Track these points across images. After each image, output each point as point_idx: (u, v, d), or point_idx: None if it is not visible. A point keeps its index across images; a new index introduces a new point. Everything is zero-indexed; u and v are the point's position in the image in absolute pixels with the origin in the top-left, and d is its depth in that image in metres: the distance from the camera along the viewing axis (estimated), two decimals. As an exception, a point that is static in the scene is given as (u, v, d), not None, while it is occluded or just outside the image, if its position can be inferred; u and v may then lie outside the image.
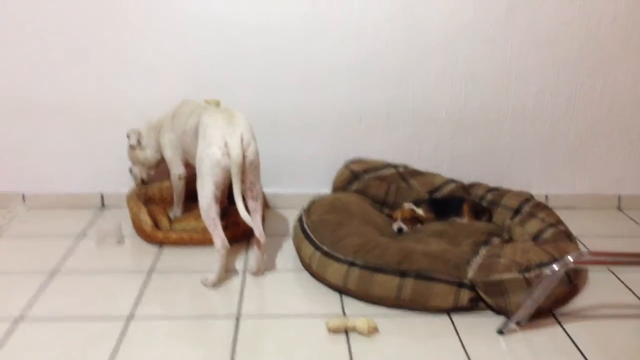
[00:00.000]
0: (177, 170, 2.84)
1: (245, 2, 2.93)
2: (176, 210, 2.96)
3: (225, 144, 2.37)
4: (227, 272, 2.52)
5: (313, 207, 2.78)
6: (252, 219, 2.42)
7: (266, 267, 2.56)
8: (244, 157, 2.37)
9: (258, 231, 2.46)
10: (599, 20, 3.03)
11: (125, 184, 3.08)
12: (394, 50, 3.04)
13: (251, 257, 2.60)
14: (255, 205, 2.48)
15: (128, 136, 2.87)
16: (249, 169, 2.41)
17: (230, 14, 2.94)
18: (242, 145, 2.37)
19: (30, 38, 2.92)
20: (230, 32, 2.97)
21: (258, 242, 2.49)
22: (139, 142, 2.87)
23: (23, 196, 3.13)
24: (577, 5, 3.01)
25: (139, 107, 3.04)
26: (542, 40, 3.06)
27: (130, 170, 2.98)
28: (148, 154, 2.90)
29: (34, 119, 3.03)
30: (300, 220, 2.72)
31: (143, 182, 3.00)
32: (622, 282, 2.51)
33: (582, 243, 2.85)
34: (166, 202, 3.06)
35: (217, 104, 2.82)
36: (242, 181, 2.40)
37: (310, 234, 2.57)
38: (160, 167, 2.96)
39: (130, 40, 2.95)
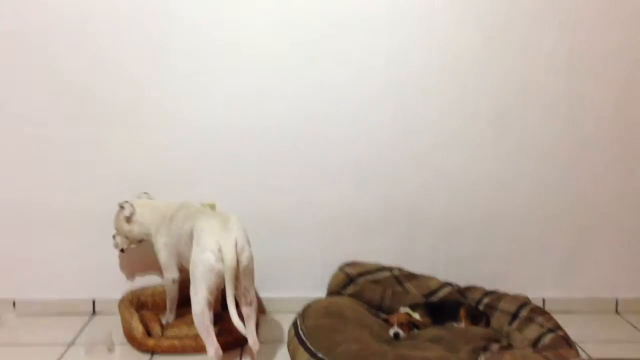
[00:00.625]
0: (171, 274, 2.82)
1: (240, 105, 3.02)
2: (169, 316, 2.92)
3: (219, 249, 2.37)
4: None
5: (308, 312, 2.74)
6: (246, 325, 2.38)
7: (260, 376, 2.50)
8: (237, 262, 2.37)
9: (252, 339, 2.41)
10: (584, 125, 3.13)
11: (117, 290, 3.04)
12: (387, 154, 3.11)
13: (245, 365, 2.54)
14: (249, 311, 2.45)
15: (122, 207, 2.86)
16: (242, 274, 2.40)
17: (225, 117, 3.03)
18: (236, 250, 2.37)
19: (21, 144, 2.99)
20: (225, 135, 3.04)
21: (251, 351, 2.44)
22: (131, 216, 2.86)
23: (14, 302, 3.08)
24: (563, 114, 3.11)
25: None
26: (531, 146, 3.14)
27: (114, 237, 2.96)
28: (135, 229, 2.88)
29: (25, 224, 3.04)
30: (295, 325, 2.68)
31: (122, 251, 2.98)
32: (625, 390, 2.45)
33: (581, 349, 2.80)
34: (159, 308, 3.01)
35: (213, 207, 2.85)
36: (236, 287, 2.39)
37: (306, 340, 2.52)
38: (142, 243, 2.95)
39: (123, 147, 3.02)
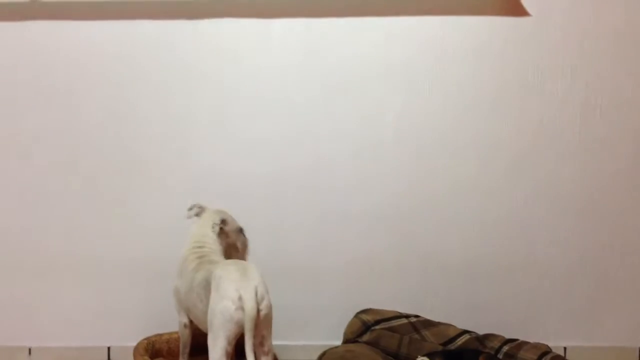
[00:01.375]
0: (182, 318, 2.79)
1: (258, 152, 3.07)
2: None
3: (240, 298, 2.34)
4: None
5: (324, 359, 2.70)
6: None
7: None
8: (258, 311, 2.35)
9: None
10: (599, 176, 3.12)
11: (132, 337, 3.03)
12: (402, 200, 3.12)
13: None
14: None
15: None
16: (262, 323, 2.37)
17: (243, 164, 3.08)
18: (256, 298, 2.35)
19: (38, 192, 3.05)
20: (240, 183, 3.08)
21: None
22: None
23: (29, 350, 3.08)
24: (579, 160, 3.11)
25: (146, 262, 3.09)
26: (547, 192, 3.13)
27: None
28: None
29: (40, 272, 3.07)
30: (310, 374, 2.64)
31: None
32: None
33: (605, 398, 2.72)
34: (174, 355, 2.99)
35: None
36: (254, 336, 2.35)
37: (322, 391, 2.48)
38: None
39: (138, 196, 3.07)
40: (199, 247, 2.74)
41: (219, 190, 3.07)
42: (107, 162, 3.04)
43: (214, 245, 2.72)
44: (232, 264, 2.51)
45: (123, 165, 3.04)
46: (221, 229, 2.80)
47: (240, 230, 2.94)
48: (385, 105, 3.07)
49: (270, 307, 2.41)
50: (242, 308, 2.32)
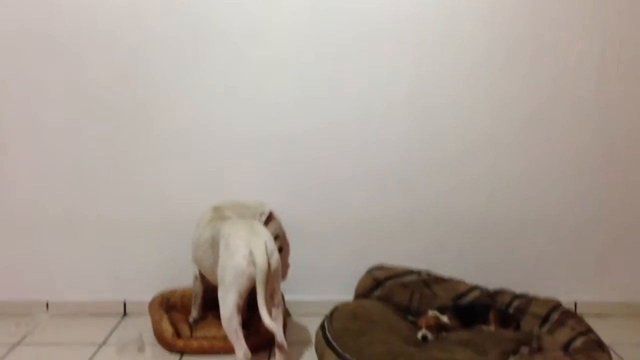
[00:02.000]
0: (194, 269, 2.86)
1: (265, 115, 3.06)
2: (193, 312, 2.94)
3: (250, 253, 2.39)
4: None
5: (336, 315, 2.74)
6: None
7: (288, 377, 2.50)
8: (268, 265, 2.38)
9: (280, 337, 2.42)
10: (615, 131, 3.09)
11: (147, 292, 3.08)
12: (414, 159, 3.11)
13: (273, 366, 2.54)
14: (277, 313, 2.46)
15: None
16: (272, 277, 2.42)
17: (253, 126, 3.06)
18: (267, 253, 2.39)
19: (54, 153, 3.06)
20: (253, 143, 3.08)
21: (282, 347, 2.44)
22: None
23: (47, 304, 3.14)
24: (593, 117, 3.08)
25: (162, 217, 3.11)
26: (561, 151, 3.11)
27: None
28: None
29: (58, 230, 3.11)
30: (322, 328, 2.68)
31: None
32: (660, 395, 2.39)
33: (615, 352, 2.74)
34: (188, 309, 3.04)
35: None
36: (265, 289, 2.40)
37: (333, 342, 2.52)
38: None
39: (154, 153, 3.07)
40: (227, 208, 2.78)
41: (231, 152, 3.07)
42: (123, 123, 3.03)
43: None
44: (240, 222, 2.55)
45: (139, 126, 3.04)
46: (265, 222, 2.84)
47: (277, 237, 2.93)
48: (396, 63, 3.03)
49: (279, 261, 2.46)
50: (253, 263, 2.36)
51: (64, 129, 3.04)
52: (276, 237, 2.96)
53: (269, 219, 2.91)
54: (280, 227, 2.98)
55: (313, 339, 2.76)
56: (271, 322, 2.34)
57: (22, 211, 3.09)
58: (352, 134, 3.09)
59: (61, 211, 3.09)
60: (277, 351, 2.46)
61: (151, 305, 2.94)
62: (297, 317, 3.14)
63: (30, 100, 3.01)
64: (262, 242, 2.42)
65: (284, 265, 3.08)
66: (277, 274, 2.44)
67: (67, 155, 3.06)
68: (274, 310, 2.46)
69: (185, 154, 3.08)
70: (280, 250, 2.96)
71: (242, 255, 2.39)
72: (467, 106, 3.07)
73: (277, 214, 2.90)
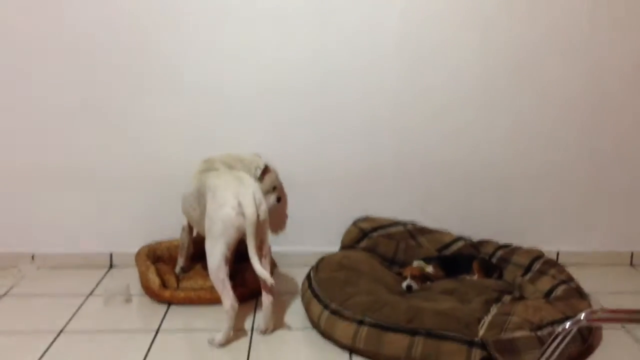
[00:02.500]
0: (183, 220, 2.87)
1: (254, 64, 3.01)
2: (179, 261, 2.96)
3: (239, 204, 2.38)
4: (235, 331, 2.50)
5: (321, 266, 2.77)
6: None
7: (274, 325, 2.53)
8: (257, 215, 2.38)
9: (270, 282, 2.39)
10: (606, 79, 3.08)
11: (134, 244, 3.09)
12: (403, 112, 3.09)
13: (259, 316, 2.57)
14: (265, 263, 2.47)
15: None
16: (261, 227, 2.41)
17: (238, 75, 3.02)
18: (255, 204, 2.39)
19: (41, 104, 3.00)
20: (237, 94, 3.04)
21: (271, 290, 2.46)
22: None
23: (32, 256, 3.14)
24: (585, 64, 3.06)
25: (148, 170, 3.09)
26: (549, 99, 3.10)
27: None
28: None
29: (45, 180, 3.07)
30: (308, 278, 2.71)
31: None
32: (637, 341, 2.45)
33: (594, 300, 2.80)
34: (174, 261, 3.05)
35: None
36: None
37: (319, 293, 2.55)
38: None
39: (138, 108, 3.02)
40: (218, 161, 2.77)
41: (220, 103, 3.03)
42: (106, 74, 2.97)
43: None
44: (227, 174, 2.53)
45: (122, 76, 2.98)
46: (261, 175, 2.86)
47: (274, 189, 2.98)
48: (383, 14, 2.98)
49: (267, 212, 2.46)
50: (242, 214, 2.36)
51: (52, 82, 2.97)
52: (274, 189, 2.98)
53: (265, 172, 2.91)
54: (277, 179, 3.00)
55: (299, 290, 2.79)
56: (263, 270, 2.35)
57: (7, 164, 3.05)
58: (340, 86, 3.05)
59: (47, 163, 3.06)
60: (264, 293, 2.48)
61: (137, 256, 2.95)
62: (283, 268, 3.17)
63: (19, 52, 2.94)
64: (250, 192, 2.41)
65: (282, 216, 3.10)
66: (265, 224, 2.44)
67: (53, 107, 3.00)
68: (262, 261, 2.46)
69: (174, 107, 3.03)
70: (278, 200, 2.98)
71: (231, 206, 2.38)
72: (458, 53, 3.04)
73: (273, 166, 2.92)
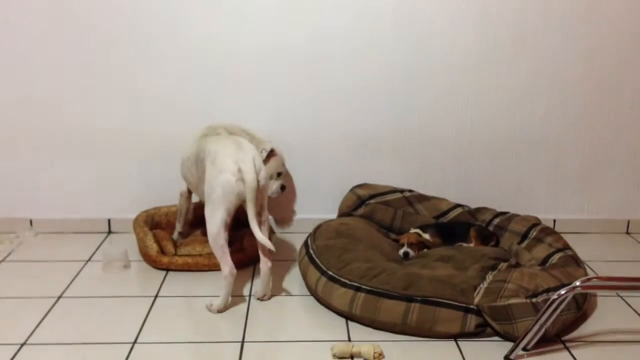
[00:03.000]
0: (182, 185, 2.88)
1: (250, 30, 2.97)
2: (177, 226, 2.98)
3: (239, 170, 2.37)
4: (233, 297, 2.51)
5: (319, 232, 2.77)
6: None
7: (272, 292, 2.55)
8: (257, 181, 2.38)
9: (269, 246, 2.39)
10: (603, 48, 3.06)
11: (131, 210, 3.09)
12: (399, 75, 3.07)
13: (257, 282, 2.59)
14: (264, 229, 2.46)
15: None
16: (260, 193, 2.40)
17: (236, 40, 2.98)
18: (255, 169, 2.38)
19: (39, 69, 2.97)
20: (236, 58, 3.01)
21: (269, 256, 2.47)
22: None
23: (30, 221, 3.15)
24: (582, 34, 3.03)
25: (147, 136, 3.08)
26: (547, 68, 3.08)
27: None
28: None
29: (43, 146, 3.07)
30: (306, 245, 2.72)
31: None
32: (631, 307, 2.48)
33: (590, 268, 2.83)
34: (172, 227, 3.06)
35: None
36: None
37: (316, 259, 2.56)
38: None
39: (139, 73, 3.00)
40: (222, 127, 2.74)
41: (214, 65, 3.01)
42: (104, 36, 2.94)
43: None
44: (226, 139, 2.51)
45: (119, 38, 2.95)
46: (267, 158, 2.84)
47: (279, 175, 2.95)
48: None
49: (266, 178, 2.45)
50: (242, 180, 2.34)
51: (52, 46, 2.94)
52: (279, 175, 2.95)
53: (271, 155, 2.89)
54: (282, 165, 2.97)
55: (297, 257, 2.81)
56: (263, 236, 2.35)
57: (5, 129, 3.04)
58: (336, 48, 3.02)
59: (45, 128, 3.04)
60: (262, 260, 2.48)
61: (135, 222, 2.95)
62: (280, 235, 3.18)
63: (7, 10, 2.90)
64: (249, 158, 2.39)
65: (289, 211, 3.08)
66: (265, 190, 2.43)
67: (51, 71, 2.98)
68: (262, 227, 2.46)
69: (174, 74, 3.01)
70: (282, 188, 2.96)
71: (231, 172, 2.36)
72: (456, 21, 3.00)
73: (280, 151, 2.93)
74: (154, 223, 3.02)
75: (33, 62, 2.96)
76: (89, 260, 2.86)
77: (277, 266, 2.76)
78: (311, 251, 2.63)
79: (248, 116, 3.03)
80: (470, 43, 3.03)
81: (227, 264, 2.39)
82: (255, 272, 2.74)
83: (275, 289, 2.59)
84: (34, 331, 2.24)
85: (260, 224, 2.41)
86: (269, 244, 2.37)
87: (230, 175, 2.36)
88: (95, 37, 2.95)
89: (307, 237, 2.78)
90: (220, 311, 2.41)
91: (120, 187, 3.14)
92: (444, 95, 3.10)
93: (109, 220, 3.18)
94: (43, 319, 2.33)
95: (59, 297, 2.49)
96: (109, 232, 3.19)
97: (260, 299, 2.51)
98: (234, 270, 2.41)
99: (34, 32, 2.92)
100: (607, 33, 3.04)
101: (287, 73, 3.04)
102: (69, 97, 3.01)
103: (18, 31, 2.92)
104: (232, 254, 2.46)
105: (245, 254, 2.77)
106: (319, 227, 2.83)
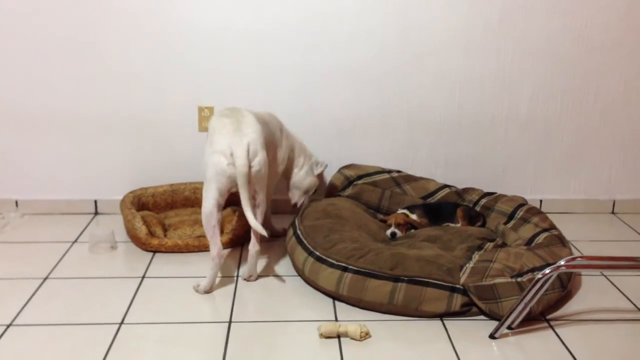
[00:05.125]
0: None
1: (239, 10, 2.95)
2: None
3: (232, 154, 2.33)
4: (221, 277, 2.52)
5: (306, 213, 2.77)
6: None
7: (260, 273, 2.56)
8: (250, 167, 2.35)
9: (262, 232, 2.37)
10: (590, 26, 3.05)
11: (118, 191, 3.07)
12: (387, 56, 3.05)
13: (244, 263, 2.59)
14: (258, 213, 2.45)
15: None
16: (254, 178, 2.37)
17: (224, 21, 2.96)
18: (248, 155, 2.34)
19: (26, 48, 2.93)
20: (223, 40, 2.98)
21: (260, 239, 2.45)
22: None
23: (16, 202, 3.13)
24: (568, 12, 3.03)
25: (133, 116, 3.05)
26: (534, 47, 3.07)
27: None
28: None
29: (28, 126, 3.04)
30: (293, 225, 2.72)
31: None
32: (615, 286, 2.51)
33: (575, 247, 2.85)
34: (160, 208, 3.06)
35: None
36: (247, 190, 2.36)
37: (304, 240, 2.56)
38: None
39: (126, 51, 2.97)
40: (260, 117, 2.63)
41: (200, 45, 2.98)
42: (91, 14, 2.90)
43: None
44: (228, 116, 2.45)
45: (107, 17, 2.91)
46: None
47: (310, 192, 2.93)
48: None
49: (262, 163, 2.39)
50: (234, 164, 2.32)
51: (34, 22, 2.90)
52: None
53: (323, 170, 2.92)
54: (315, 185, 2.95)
55: (286, 237, 2.81)
56: (255, 221, 2.33)
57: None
58: (325, 30, 3.00)
59: (30, 109, 3.01)
60: (252, 242, 2.46)
61: (122, 203, 2.93)
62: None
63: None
64: (244, 143, 2.33)
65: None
66: (260, 175, 2.38)
67: (36, 51, 2.94)
68: (257, 211, 2.44)
69: (155, 51, 2.98)
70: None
71: (223, 154, 2.33)
72: (443, 7, 2.99)
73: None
74: (140, 204, 3.01)
75: (17, 41, 2.92)
76: (76, 241, 2.85)
77: (264, 246, 2.76)
78: (299, 232, 2.63)
79: (236, 99, 3.01)
80: (458, 23, 3.02)
81: (215, 245, 2.39)
82: (243, 253, 2.75)
83: (263, 270, 2.59)
84: (20, 312, 2.24)
85: (253, 207, 2.39)
86: (260, 230, 2.35)
87: (222, 157, 2.33)
88: (82, 15, 2.90)
89: (295, 217, 2.78)
90: (207, 292, 2.41)
91: (107, 168, 3.12)
92: (432, 77, 3.09)
93: (95, 202, 3.17)
94: (29, 300, 2.33)
95: (45, 278, 2.49)
96: (96, 213, 3.17)
97: (247, 280, 2.52)
98: (222, 252, 2.41)
99: (18, 10, 2.88)
100: (595, 14, 3.04)
101: (276, 56, 3.02)
102: (55, 77, 2.98)
103: (7, 13, 2.88)
104: (221, 233, 2.46)
105: (233, 234, 2.77)
106: (306, 207, 2.83)
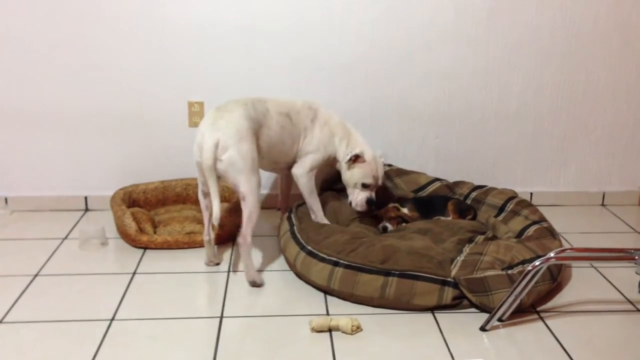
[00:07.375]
0: None
1: (228, 5, 2.93)
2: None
3: (199, 146, 2.39)
4: (211, 273, 2.52)
5: (301, 208, 2.77)
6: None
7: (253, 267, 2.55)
8: (216, 161, 2.35)
9: (215, 222, 2.37)
10: (580, 20, 3.06)
11: (108, 187, 3.06)
12: (378, 51, 3.05)
13: (237, 258, 2.58)
14: (243, 206, 2.44)
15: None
16: (228, 172, 2.38)
17: (212, 16, 2.94)
18: (215, 150, 2.34)
19: (14, 44, 2.92)
20: (212, 35, 2.97)
21: (243, 237, 2.44)
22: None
23: (6, 199, 3.11)
24: (558, 6, 3.03)
25: (123, 111, 3.04)
26: (524, 41, 3.08)
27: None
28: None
29: (17, 123, 3.02)
30: (289, 220, 2.71)
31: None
32: (605, 278, 2.52)
33: (565, 240, 2.86)
34: (151, 204, 3.05)
35: None
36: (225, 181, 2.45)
37: (297, 234, 2.56)
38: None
39: (114, 47, 2.95)
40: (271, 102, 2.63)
41: (189, 40, 2.97)
42: (80, 11, 2.88)
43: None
44: (217, 110, 2.47)
45: (97, 14, 2.89)
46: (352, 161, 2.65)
47: (365, 186, 2.70)
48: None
49: (236, 158, 2.36)
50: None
51: (23, 19, 2.88)
52: (364, 186, 2.69)
53: (356, 161, 2.66)
54: (372, 176, 2.70)
55: (276, 231, 2.80)
56: (218, 215, 2.32)
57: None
58: (314, 26, 3.00)
59: (19, 104, 2.99)
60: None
61: (113, 200, 2.92)
62: (262, 210, 3.16)
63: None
64: (214, 138, 2.34)
65: None
66: (233, 169, 2.37)
67: (25, 47, 2.92)
68: (242, 202, 2.43)
69: (145, 46, 2.96)
70: (370, 203, 2.72)
71: (197, 145, 2.41)
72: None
73: (377, 161, 2.72)
74: (131, 200, 3.00)
75: (5, 38, 2.90)
76: (66, 238, 2.83)
77: (257, 241, 2.74)
78: (294, 227, 2.62)
79: (225, 92, 2.99)
80: (447, 17, 3.02)
81: (204, 229, 2.53)
82: (234, 248, 2.74)
83: (255, 264, 2.59)
84: (10, 309, 2.23)
85: (219, 198, 2.35)
86: (217, 219, 2.33)
87: (196, 147, 2.42)
88: (69, 11, 2.88)
89: (290, 213, 2.76)
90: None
91: (97, 165, 3.11)
92: (421, 70, 3.09)
93: (85, 198, 3.16)
94: (19, 297, 2.31)
95: (36, 275, 2.48)
96: (86, 209, 3.16)
97: (207, 265, 2.60)
98: (207, 237, 2.53)
99: (4, 7, 2.85)
100: (583, 8, 3.05)
101: (266, 51, 3.01)
102: (43, 73, 2.96)
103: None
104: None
105: (223, 230, 2.77)
106: (301, 203, 2.81)
